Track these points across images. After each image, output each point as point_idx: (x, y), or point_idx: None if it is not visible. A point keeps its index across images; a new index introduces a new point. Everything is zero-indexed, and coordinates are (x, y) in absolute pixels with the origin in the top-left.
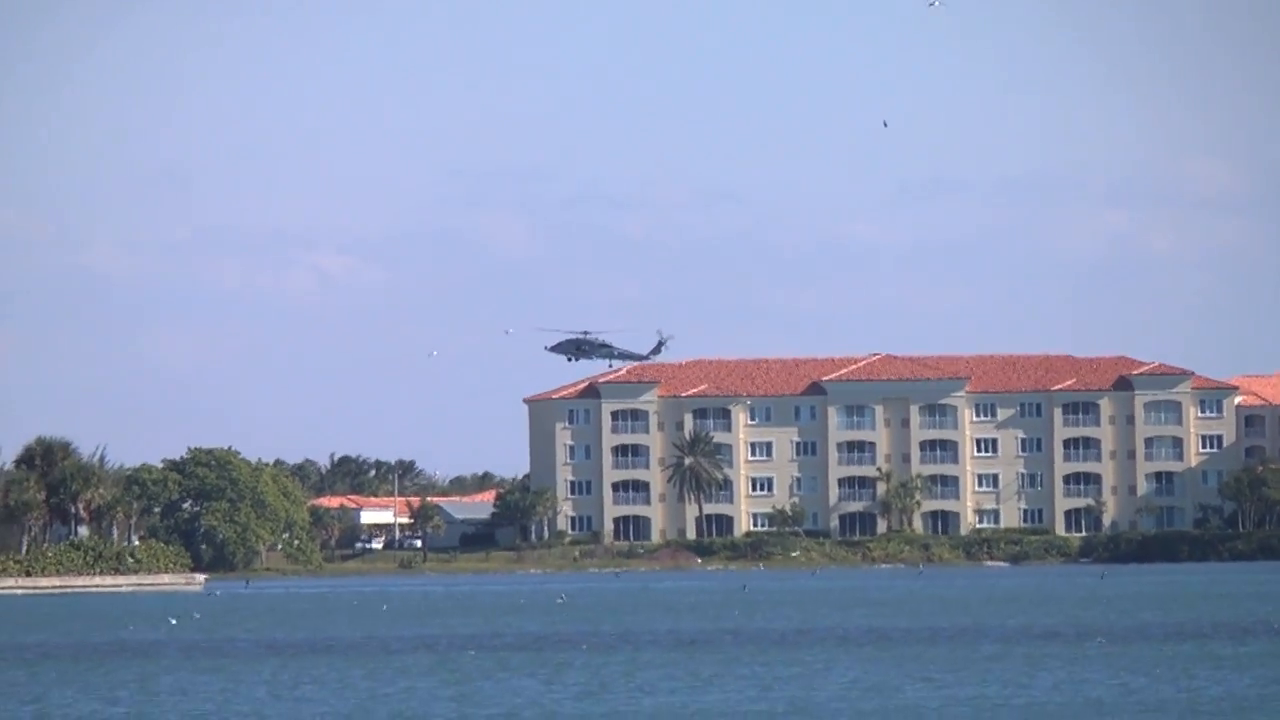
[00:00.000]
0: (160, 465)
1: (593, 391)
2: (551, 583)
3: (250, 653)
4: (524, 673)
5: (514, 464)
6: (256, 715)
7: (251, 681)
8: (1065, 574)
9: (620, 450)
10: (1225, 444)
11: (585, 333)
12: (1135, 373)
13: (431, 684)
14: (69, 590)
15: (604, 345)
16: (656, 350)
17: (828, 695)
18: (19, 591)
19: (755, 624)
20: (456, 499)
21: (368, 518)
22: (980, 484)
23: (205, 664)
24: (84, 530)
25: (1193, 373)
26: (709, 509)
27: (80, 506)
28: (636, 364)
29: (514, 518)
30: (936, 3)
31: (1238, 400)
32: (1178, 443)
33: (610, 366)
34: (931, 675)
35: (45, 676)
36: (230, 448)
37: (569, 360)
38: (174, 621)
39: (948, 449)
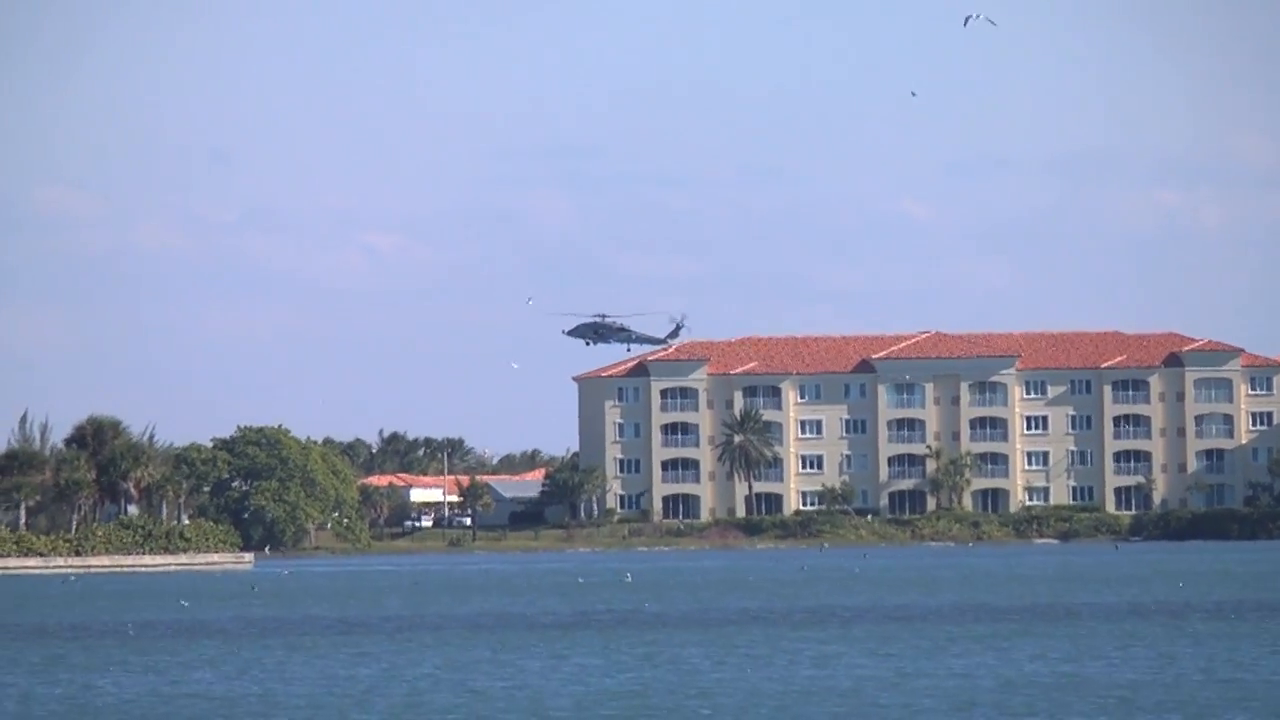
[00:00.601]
0: (210, 444)
1: (642, 369)
2: (608, 561)
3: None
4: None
5: (563, 442)
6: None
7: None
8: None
9: (670, 428)
10: (1276, 421)
11: (602, 316)
12: (1185, 349)
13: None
14: (119, 570)
15: (621, 329)
16: (674, 334)
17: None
18: (69, 570)
19: (890, 601)
20: (506, 477)
21: (417, 496)
22: (1030, 462)
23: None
24: (134, 509)
25: (1243, 350)
26: (758, 487)
27: (130, 485)
28: (683, 343)
29: (563, 496)
30: (975, 19)
31: None
32: (1228, 420)
33: (629, 350)
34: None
35: (157, 653)
36: (280, 426)
37: (587, 344)
38: (185, 604)
39: (998, 426)
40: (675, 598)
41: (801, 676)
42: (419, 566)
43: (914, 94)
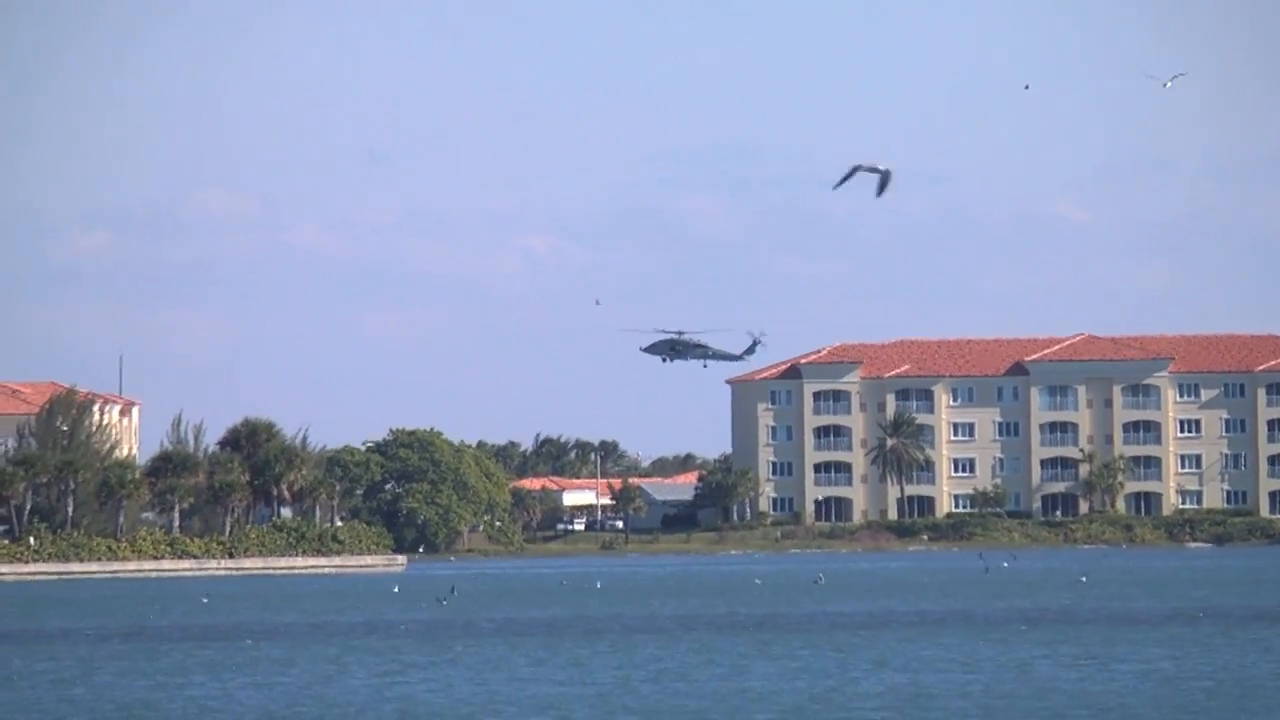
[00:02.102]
0: (362, 447)
1: (794, 372)
2: (780, 563)
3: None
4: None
5: (716, 445)
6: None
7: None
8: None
9: (822, 431)
10: None
11: (680, 333)
12: None
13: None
14: (271, 572)
15: (699, 345)
16: (750, 350)
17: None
18: (221, 572)
19: (1091, 603)
20: (658, 480)
21: (570, 499)
22: (1183, 465)
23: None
24: (287, 512)
25: None
26: (910, 490)
27: (283, 488)
28: (836, 346)
29: (716, 499)
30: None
31: None
32: None
33: (704, 367)
34: None
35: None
36: (432, 429)
37: (663, 361)
38: (205, 600)
39: (1151, 430)
40: (889, 598)
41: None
42: (600, 568)
43: (1027, 87)
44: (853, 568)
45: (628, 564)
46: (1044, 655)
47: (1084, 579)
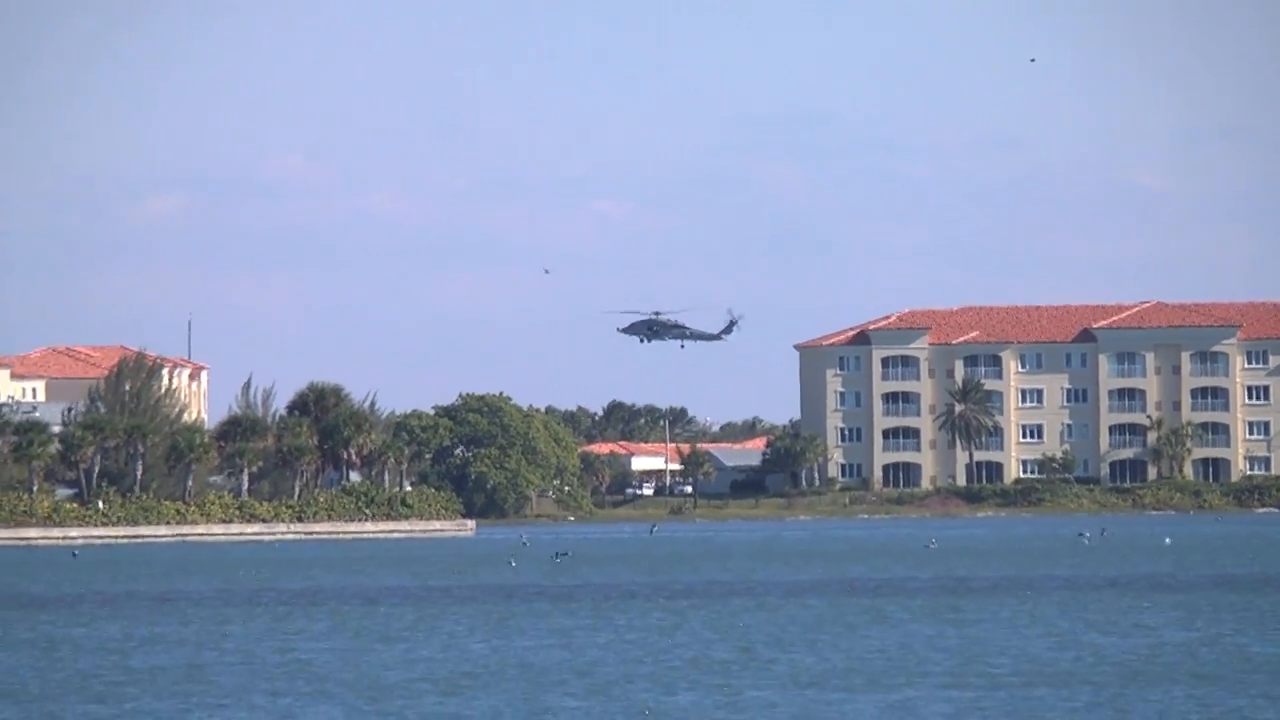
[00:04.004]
0: (431, 411)
1: (863, 338)
2: (860, 529)
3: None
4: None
5: (784, 411)
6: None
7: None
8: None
9: (890, 397)
10: None
11: (656, 314)
12: None
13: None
14: (340, 536)
15: (676, 326)
16: (728, 330)
17: None
18: (290, 536)
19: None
20: (727, 445)
21: (638, 464)
22: (1251, 431)
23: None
24: (355, 476)
25: None
26: (979, 456)
27: (352, 452)
28: (905, 312)
29: (784, 464)
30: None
31: None
32: None
33: (682, 347)
34: None
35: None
36: (501, 394)
37: (641, 341)
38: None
39: (1219, 396)
40: (1000, 564)
41: None
42: (693, 534)
43: (1033, 60)
44: (953, 534)
45: (757, 529)
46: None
47: (1167, 540)
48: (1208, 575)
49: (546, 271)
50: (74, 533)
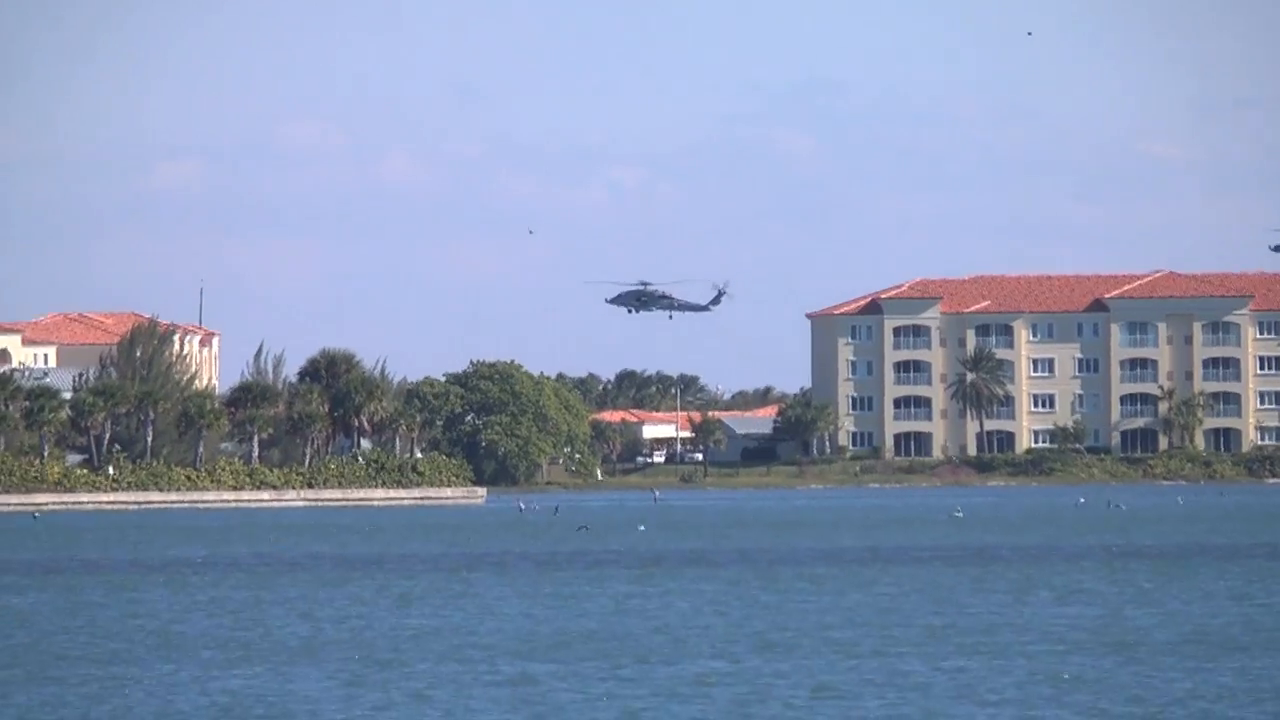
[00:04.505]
0: (443, 378)
1: (875, 307)
2: (876, 497)
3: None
4: None
5: (795, 379)
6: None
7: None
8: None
9: (902, 366)
10: None
11: (644, 284)
12: None
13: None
14: (350, 503)
15: (664, 297)
16: (716, 301)
17: None
18: (300, 504)
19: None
20: (738, 414)
21: (649, 432)
22: (1262, 401)
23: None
24: (366, 443)
25: None
26: (990, 425)
27: (363, 419)
28: (916, 281)
29: (795, 433)
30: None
31: None
32: None
33: (670, 318)
34: None
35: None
36: (513, 361)
37: (629, 312)
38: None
39: (1231, 366)
40: (1039, 531)
41: None
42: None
43: (1030, 33)
44: (976, 502)
45: (771, 497)
46: None
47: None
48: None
49: (530, 232)
50: (83, 497)
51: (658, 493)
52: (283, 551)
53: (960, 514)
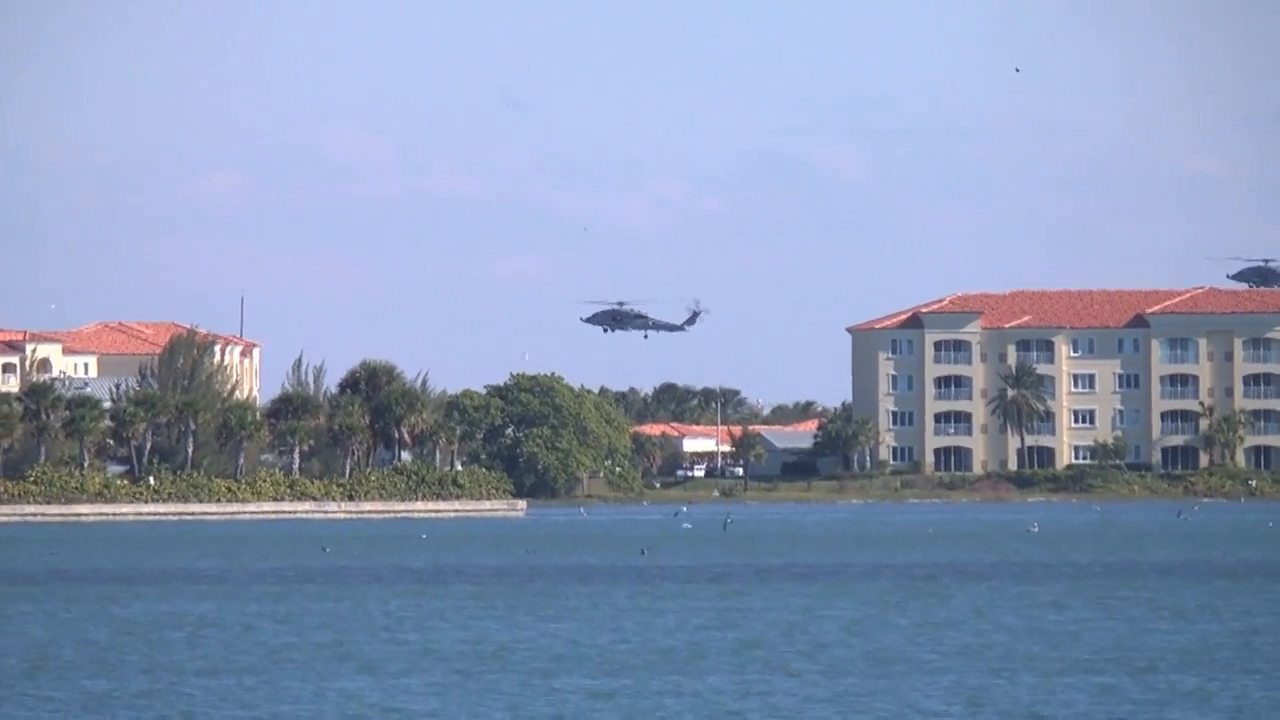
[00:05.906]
0: (483, 391)
1: (915, 322)
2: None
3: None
4: None
5: (836, 394)
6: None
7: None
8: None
9: (942, 381)
10: None
11: (620, 304)
12: None
13: None
14: (391, 515)
15: (639, 316)
16: (691, 321)
17: None
18: (341, 515)
19: None
20: (778, 428)
21: (690, 446)
22: None
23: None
24: (406, 455)
25: None
26: (1030, 441)
27: (403, 431)
28: (957, 295)
29: (835, 447)
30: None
31: None
32: None
33: (645, 338)
34: None
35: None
36: (554, 374)
37: (605, 331)
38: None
39: (1272, 383)
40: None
41: None
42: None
43: (1018, 70)
44: (1045, 519)
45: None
46: None
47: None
48: None
49: (585, 229)
50: (124, 508)
51: (684, 508)
52: (543, 565)
53: (1035, 529)
